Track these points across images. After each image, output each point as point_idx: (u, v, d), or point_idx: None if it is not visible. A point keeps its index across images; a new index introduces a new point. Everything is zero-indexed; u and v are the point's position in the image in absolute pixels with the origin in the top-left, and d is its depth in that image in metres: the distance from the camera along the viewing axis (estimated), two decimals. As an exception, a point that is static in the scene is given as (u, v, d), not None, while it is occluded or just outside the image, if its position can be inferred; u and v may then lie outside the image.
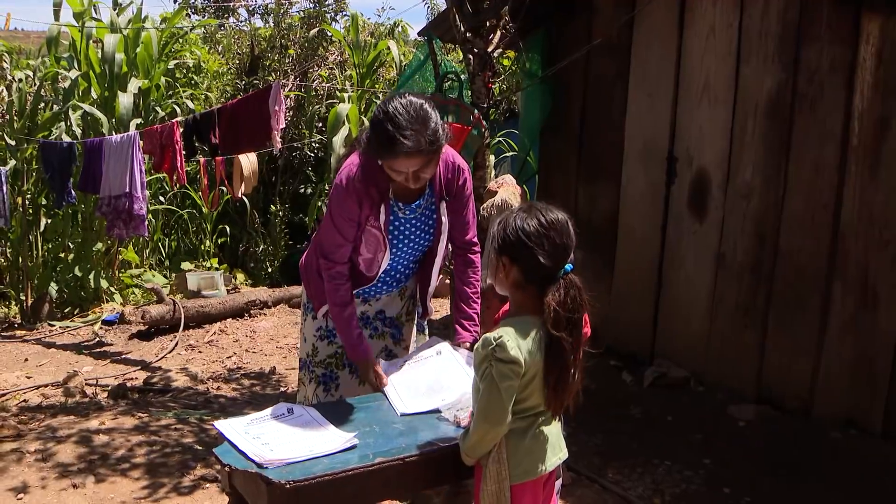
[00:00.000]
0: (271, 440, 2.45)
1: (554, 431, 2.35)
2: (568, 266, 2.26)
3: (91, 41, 9.04)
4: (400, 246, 3.03)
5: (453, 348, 3.00)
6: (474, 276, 3.18)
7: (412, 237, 3.05)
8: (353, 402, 2.84)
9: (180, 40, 10.65)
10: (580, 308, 2.24)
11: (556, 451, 2.35)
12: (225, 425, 2.55)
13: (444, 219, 3.04)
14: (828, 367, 4.83)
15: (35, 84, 9.17)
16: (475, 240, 3.19)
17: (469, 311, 3.13)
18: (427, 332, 3.47)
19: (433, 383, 2.82)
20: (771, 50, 4.98)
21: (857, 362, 4.69)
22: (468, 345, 3.03)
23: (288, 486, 2.19)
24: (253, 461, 2.32)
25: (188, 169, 8.91)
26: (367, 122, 3.09)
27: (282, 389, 5.82)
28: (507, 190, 4.55)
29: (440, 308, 7.51)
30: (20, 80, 8.84)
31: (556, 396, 2.27)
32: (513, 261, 2.28)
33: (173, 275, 9.27)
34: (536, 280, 2.25)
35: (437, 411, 2.69)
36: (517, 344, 2.18)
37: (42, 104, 9.05)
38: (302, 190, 10.88)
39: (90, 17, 9.20)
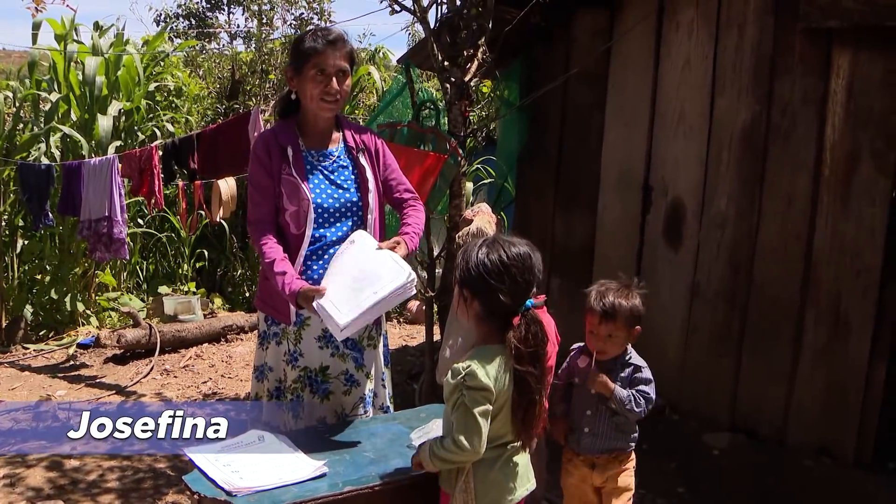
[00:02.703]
0: (241, 468, 2.44)
1: (523, 462, 2.35)
2: (528, 302, 2.26)
3: (72, 63, 9.02)
4: (326, 198, 3.07)
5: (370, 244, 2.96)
6: (414, 213, 3.24)
7: (333, 184, 3.10)
8: (323, 430, 2.84)
9: (161, 63, 10.65)
10: (542, 343, 2.25)
11: (525, 482, 2.35)
12: (196, 452, 2.54)
13: (366, 165, 3.15)
14: (801, 396, 4.86)
15: (15, 105, 9.13)
16: (415, 196, 3.32)
17: (407, 229, 3.14)
18: (390, 363, 3.40)
19: (358, 275, 2.80)
20: (745, 82, 5.05)
21: (830, 391, 4.73)
22: (394, 239, 3.01)
23: (256, 514, 2.19)
24: (222, 489, 2.31)
25: (167, 192, 8.88)
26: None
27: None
28: (482, 218, 4.56)
29: (417, 335, 7.51)
30: (-2, 102, 8.80)
31: (525, 429, 2.27)
32: (474, 295, 2.28)
33: (150, 298, 9.21)
34: (497, 315, 2.26)
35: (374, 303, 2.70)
36: (486, 372, 2.19)
37: (21, 125, 9.00)
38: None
39: (72, 40, 9.19)
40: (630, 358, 3.10)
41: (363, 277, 2.79)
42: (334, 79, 3.01)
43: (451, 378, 2.22)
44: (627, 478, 3.14)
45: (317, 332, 3.10)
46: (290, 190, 3.03)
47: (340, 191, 3.11)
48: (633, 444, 3.12)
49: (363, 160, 3.16)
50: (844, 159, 4.62)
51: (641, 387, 3.00)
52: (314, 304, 2.79)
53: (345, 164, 3.16)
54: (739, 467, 4.75)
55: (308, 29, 3.14)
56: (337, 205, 3.09)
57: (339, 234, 3.09)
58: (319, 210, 3.05)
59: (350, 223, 3.12)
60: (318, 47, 2.99)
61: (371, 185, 3.14)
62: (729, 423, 5.19)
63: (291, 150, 3.06)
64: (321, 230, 3.06)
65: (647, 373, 3.06)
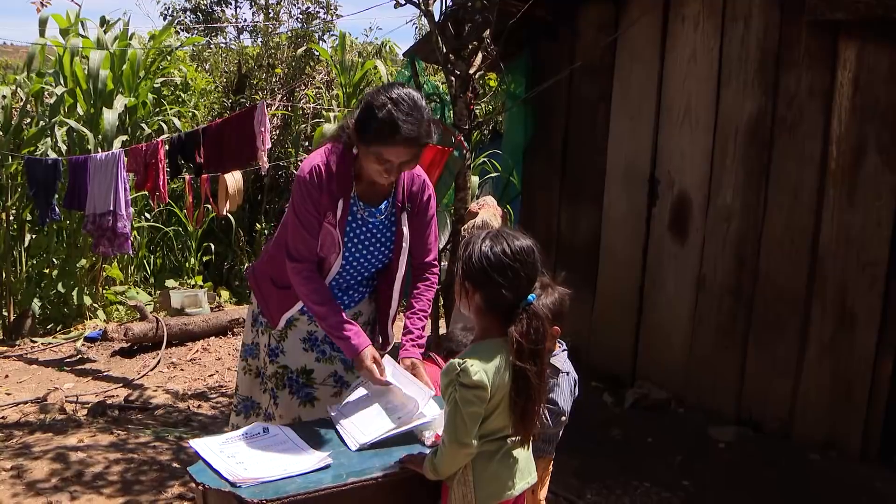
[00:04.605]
0: (246, 459, 2.44)
1: (523, 455, 2.34)
2: (531, 297, 2.25)
3: (78, 57, 9.05)
4: (354, 252, 2.96)
5: (396, 365, 2.89)
6: (427, 293, 3.11)
7: (368, 245, 2.98)
8: (328, 422, 2.84)
9: (168, 58, 10.67)
10: (543, 339, 2.24)
11: (525, 476, 2.34)
12: (200, 444, 2.54)
13: (406, 231, 2.98)
14: (807, 389, 4.85)
15: (21, 99, 9.16)
16: (435, 261, 3.16)
17: (413, 327, 3.02)
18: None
19: (385, 404, 2.74)
20: (751, 75, 5.04)
21: (836, 384, 4.72)
22: (409, 363, 2.92)
23: (260, 505, 2.20)
24: (227, 480, 2.31)
25: (174, 186, 8.92)
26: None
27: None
28: (487, 211, 4.57)
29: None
30: (4, 97, 8.83)
31: (524, 425, 2.26)
32: (476, 288, 2.26)
33: (157, 292, 9.25)
34: (499, 309, 2.25)
35: (395, 429, 2.64)
36: (482, 368, 2.17)
37: (28, 119, 9.04)
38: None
39: (76, 34, 9.21)
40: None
41: (391, 408, 2.73)
42: (396, 166, 2.74)
43: (447, 373, 2.21)
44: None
45: (302, 334, 3.06)
46: (326, 239, 2.89)
47: (372, 249, 3.00)
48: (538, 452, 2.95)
49: (404, 222, 2.98)
50: (850, 152, 4.61)
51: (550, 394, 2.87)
52: (336, 423, 2.75)
53: (387, 221, 2.99)
54: (745, 460, 4.74)
55: (385, 96, 2.66)
56: (363, 261, 3.01)
57: (353, 281, 3.05)
58: (344, 262, 2.96)
59: (369, 274, 3.08)
60: (386, 140, 2.67)
61: (404, 248, 3.01)
62: (734, 416, 5.19)
63: (342, 203, 2.85)
64: (340, 277, 3.00)
65: (556, 380, 2.92)
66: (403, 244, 2.99)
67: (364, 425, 2.68)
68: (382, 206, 2.96)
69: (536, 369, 2.22)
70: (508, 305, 2.22)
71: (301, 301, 2.96)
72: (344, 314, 2.88)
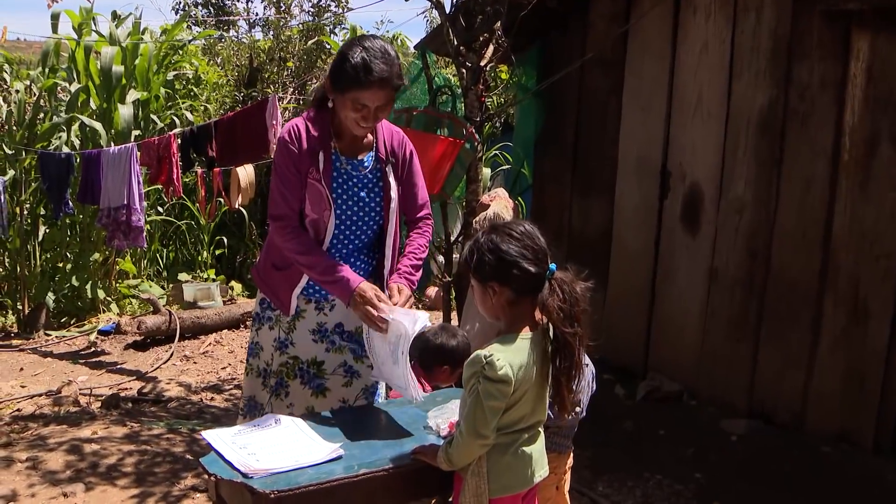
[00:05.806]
0: (258, 450, 2.45)
1: (537, 448, 2.36)
2: (552, 266, 2.27)
3: (91, 53, 9.08)
4: (345, 209, 2.98)
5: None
6: (419, 239, 3.14)
7: (358, 199, 3.00)
8: (339, 413, 2.85)
9: (180, 52, 10.70)
10: (578, 301, 2.25)
11: (538, 469, 2.36)
12: (212, 435, 2.55)
13: (393, 181, 3.03)
14: (819, 382, 4.83)
15: (34, 94, 9.21)
16: (428, 215, 3.21)
17: (402, 266, 3.05)
18: None
19: (389, 352, 2.77)
20: (763, 66, 5.01)
21: (849, 376, 4.70)
22: (395, 287, 2.93)
23: (272, 495, 2.20)
24: (239, 471, 2.32)
25: (186, 180, 8.94)
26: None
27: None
28: (499, 203, 4.56)
29: (434, 321, 7.51)
30: (18, 91, 8.87)
31: (570, 393, 2.31)
32: (502, 283, 2.27)
33: (170, 286, 9.29)
34: (528, 290, 2.26)
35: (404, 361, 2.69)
36: (508, 362, 2.19)
37: (41, 115, 9.08)
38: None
39: (89, 30, 9.24)
40: None
41: (392, 350, 2.76)
42: (372, 111, 2.83)
43: (472, 364, 2.22)
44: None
45: (311, 325, 3.06)
46: (314, 196, 2.93)
47: (362, 203, 3.02)
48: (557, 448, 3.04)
49: (390, 174, 3.03)
50: (863, 143, 4.58)
51: None
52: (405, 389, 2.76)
53: (373, 176, 3.03)
54: (757, 453, 4.73)
55: (357, 43, 2.85)
56: (355, 217, 3.02)
57: (353, 247, 3.05)
58: (338, 222, 2.98)
59: (366, 238, 3.08)
60: (361, 82, 2.76)
61: (394, 203, 3.04)
62: (747, 408, 5.17)
63: (323, 155, 2.92)
64: (337, 240, 3.01)
65: None
66: (392, 195, 3.03)
67: (390, 372, 2.76)
68: (366, 159, 3.03)
69: (580, 333, 2.25)
70: (537, 282, 2.24)
71: (295, 264, 2.98)
72: (328, 257, 2.93)
